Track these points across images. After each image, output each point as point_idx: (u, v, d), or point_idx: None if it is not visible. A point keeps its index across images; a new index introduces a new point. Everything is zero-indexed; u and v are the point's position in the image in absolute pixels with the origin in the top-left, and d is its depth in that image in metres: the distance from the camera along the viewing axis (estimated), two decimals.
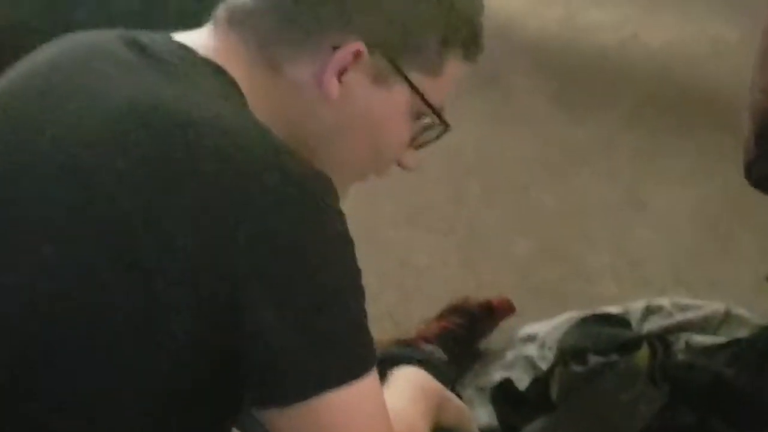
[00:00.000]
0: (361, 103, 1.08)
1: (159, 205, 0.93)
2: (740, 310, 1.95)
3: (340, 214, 1.02)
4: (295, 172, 0.97)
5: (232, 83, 1.04)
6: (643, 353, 1.80)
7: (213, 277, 0.92)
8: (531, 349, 1.91)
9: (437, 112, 1.13)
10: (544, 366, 1.84)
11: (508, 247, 2.26)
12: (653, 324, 1.93)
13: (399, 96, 1.09)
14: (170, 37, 1.08)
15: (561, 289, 2.15)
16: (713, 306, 1.97)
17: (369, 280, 2.18)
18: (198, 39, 1.08)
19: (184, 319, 0.93)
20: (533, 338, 1.93)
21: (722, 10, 3.17)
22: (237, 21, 1.08)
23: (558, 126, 2.66)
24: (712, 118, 2.69)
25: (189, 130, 0.96)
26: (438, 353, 1.87)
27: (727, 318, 1.93)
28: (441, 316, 1.97)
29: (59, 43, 1.10)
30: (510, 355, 1.92)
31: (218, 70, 1.04)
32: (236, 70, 1.05)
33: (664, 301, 1.98)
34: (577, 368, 1.80)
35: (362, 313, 1.00)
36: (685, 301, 1.99)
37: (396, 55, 1.08)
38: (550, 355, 1.86)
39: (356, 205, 2.38)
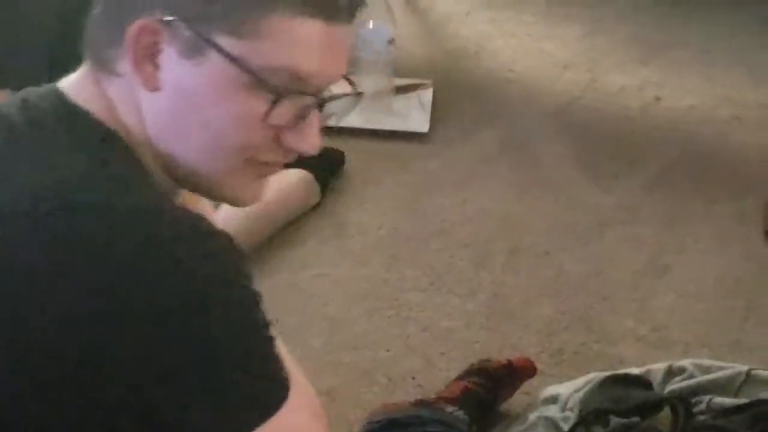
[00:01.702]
0: (180, 83, 1.04)
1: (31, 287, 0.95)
2: (762, 372, 1.96)
3: (238, 279, 1.03)
4: (184, 253, 0.98)
5: (107, 134, 1.06)
6: (665, 415, 1.83)
7: (104, 352, 0.95)
8: (553, 410, 1.94)
9: (257, 76, 1.03)
10: (565, 427, 1.86)
11: (531, 311, 2.31)
12: (675, 385, 1.95)
13: (215, 66, 1.03)
14: (53, 90, 1.10)
15: (583, 351, 2.20)
16: (735, 368, 1.97)
17: (392, 344, 2.28)
18: (75, 84, 1.11)
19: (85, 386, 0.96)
20: (555, 399, 1.96)
21: (746, 74, 3.23)
22: (88, 49, 1.11)
23: (582, 191, 2.72)
24: (736, 184, 2.75)
25: (65, 214, 0.97)
26: (459, 414, 1.90)
27: (748, 379, 1.94)
28: (462, 377, 2.02)
29: None
30: (532, 417, 1.95)
31: (90, 122, 1.06)
32: (100, 105, 1.08)
33: (687, 363, 2.00)
34: (598, 430, 1.82)
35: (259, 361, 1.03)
36: (708, 362, 2.01)
37: (193, 18, 1.02)
38: (572, 417, 1.89)
39: (379, 269, 2.49)
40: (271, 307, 2.35)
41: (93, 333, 0.95)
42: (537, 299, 2.35)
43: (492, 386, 2.00)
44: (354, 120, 2.89)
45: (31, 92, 1.10)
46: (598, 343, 2.23)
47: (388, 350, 2.20)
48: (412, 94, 3.02)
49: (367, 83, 2.91)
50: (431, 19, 3.52)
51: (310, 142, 1.11)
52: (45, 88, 1.11)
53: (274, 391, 1.04)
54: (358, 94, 1.17)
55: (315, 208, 2.61)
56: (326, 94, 1.11)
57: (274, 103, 1.05)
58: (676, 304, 2.36)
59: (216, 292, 1.00)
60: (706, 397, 1.91)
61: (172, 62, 1.04)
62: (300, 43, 1.04)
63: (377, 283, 2.38)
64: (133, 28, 1.04)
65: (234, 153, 1.08)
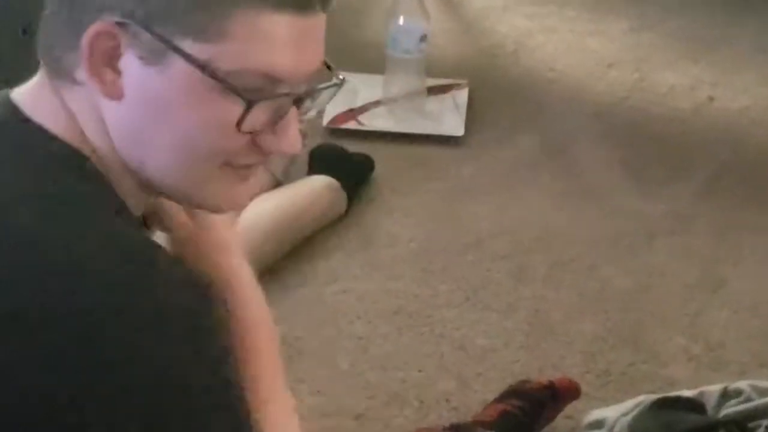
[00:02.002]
0: (144, 90, 1.03)
1: None
2: None
3: (202, 330, 1.00)
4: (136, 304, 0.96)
5: (62, 150, 1.05)
6: None
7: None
8: None
9: (227, 82, 1.02)
10: None
11: (574, 328, 2.30)
12: (731, 409, 1.94)
13: (181, 72, 1.02)
14: (6, 100, 1.09)
15: (631, 372, 2.19)
16: None
17: (425, 363, 2.28)
18: (30, 93, 1.09)
19: None
20: (601, 424, 1.95)
21: None
22: (42, 54, 1.09)
23: (628, 199, 2.71)
24: None
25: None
26: None
27: None
28: (500, 399, 2.01)
29: None
30: None
31: (44, 137, 1.05)
32: (58, 116, 1.06)
33: (743, 385, 1.99)
34: None
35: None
36: (766, 383, 2.00)
37: (155, 22, 1.01)
38: None
39: (410, 283, 2.49)
40: (294, 325, 2.37)
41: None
42: (580, 316, 2.34)
43: (532, 409, 1.99)
44: (384, 123, 2.90)
45: None
46: (646, 363, 2.22)
47: (420, 370, 2.19)
48: (446, 95, 3.02)
49: (398, 83, 2.92)
50: (466, 15, 3.52)
51: (290, 142, 1.08)
52: None
53: None
54: (341, 82, 1.13)
55: (341, 218, 2.60)
56: (303, 88, 1.09)
57: (248, 109, 1.03)
58: (732, 321, 2.35)
59: (175, 348, 0.98)
60: (765, 422, 1.91)
61: (133, 68, 1.03)
62: (269, 40, 1.02)
63: (408, 299, 2.38)
64: (88, 33, 1.02)
65: (207, 160, 1.07)
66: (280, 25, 1.02)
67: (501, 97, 3.08)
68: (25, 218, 1.00)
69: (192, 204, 1.14)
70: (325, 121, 2.85)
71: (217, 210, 1.14)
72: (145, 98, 1.03)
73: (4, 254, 0.98)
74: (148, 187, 1.10)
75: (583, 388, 2.08)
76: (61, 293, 0.96)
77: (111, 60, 1.03)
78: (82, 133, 1.07)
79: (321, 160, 2.65)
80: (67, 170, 1.05)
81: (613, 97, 3.11)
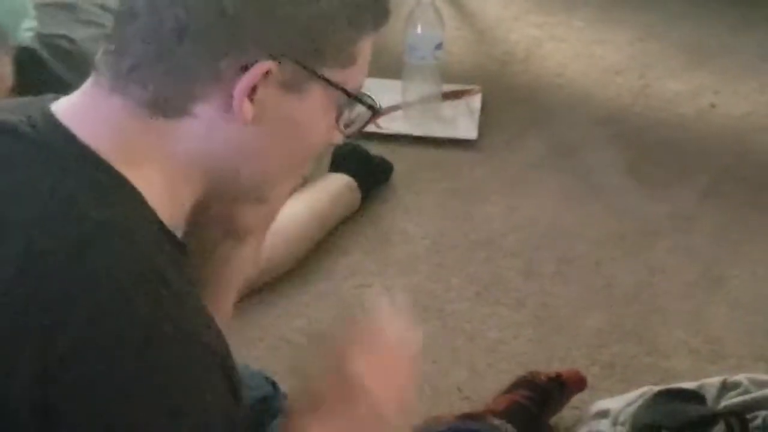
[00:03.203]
0: (279, 114, 1.08)
1: None
2: None
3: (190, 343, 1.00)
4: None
5: (121, 183, 1.03)
6: (720, 430, 1.83)
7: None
8: (604, 425, 1.93)
9: (362, 101, 1.14)
10: None
11: (580, 322, 2.30)
12: (730, 400, 1.95)
13: (316, 96, 1.09)
14: (50, 118, 1.06)
15: (634, 364, 2.18)
16: None
17: (438, 354, 2.28)
18: (78, 114, 1.07)
19: None
20: (606, 414, 1.96)
21: None
22: (121, 83, 1.06)
23: (633, 200, 2.70)
24: None
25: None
26: (506, 428, 1.89)
27: None
28: (509, 390, 2.01)
29: None
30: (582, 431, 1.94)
31: (99, 165, 1.03)
32: (118, 143, 1.04)
33: (742, 378, 2.00)
34: None
35: None
36: (763, 377, 2.00)
37: (305, 58, 1.07)
38: None
39: (424, 279, 2.49)
40: (314, 317, 2.37)
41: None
42: (586, 310, 2.34)
43: (541, 400, 1.99)
44: (401, 126, 2.90)
45: (36, 113, 1.07)
46: (649, 356, 2.22)
47: (433, 361, 2.19)
48: (460, 101, 3.02)
49: (414, 89, 2.92)
50: (480, 24, 3.52)
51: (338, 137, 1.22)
52: (44, 112, 1.07)
53: None
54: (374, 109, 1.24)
55: (359, 216, 2.60)
56: None
57: (373, 115, 1.17)
58: (731, 317, 2.34)
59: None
60: (762, 413, 1.92)
61: (272, 95, 1.07)
62: (366, 60, 1.14)
63: (422, 293, 2.38)
64: (257, 70, 1.05)
65: (306, 162, 1.18)
66: (369, 46, 1.14)
67: (512, 103, 3.08)
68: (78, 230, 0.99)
69: (250, 199, 1.20)
70: None
71: (262, 202, 1.21)
72: (281, 121, 1.09)
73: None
74: (210, 195, 1.12)
75: (589, 379, 2.07)
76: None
77: (251, 91, 1.06)
78: (133, 153, 1.05)
79: (343, 160, 2.64)
80: (123, 203, 1.03)
81: (620, 103, 3.11)
